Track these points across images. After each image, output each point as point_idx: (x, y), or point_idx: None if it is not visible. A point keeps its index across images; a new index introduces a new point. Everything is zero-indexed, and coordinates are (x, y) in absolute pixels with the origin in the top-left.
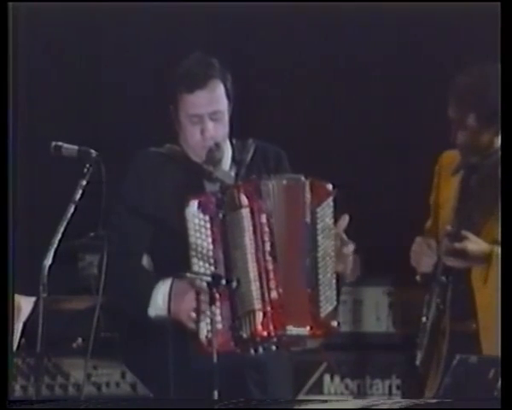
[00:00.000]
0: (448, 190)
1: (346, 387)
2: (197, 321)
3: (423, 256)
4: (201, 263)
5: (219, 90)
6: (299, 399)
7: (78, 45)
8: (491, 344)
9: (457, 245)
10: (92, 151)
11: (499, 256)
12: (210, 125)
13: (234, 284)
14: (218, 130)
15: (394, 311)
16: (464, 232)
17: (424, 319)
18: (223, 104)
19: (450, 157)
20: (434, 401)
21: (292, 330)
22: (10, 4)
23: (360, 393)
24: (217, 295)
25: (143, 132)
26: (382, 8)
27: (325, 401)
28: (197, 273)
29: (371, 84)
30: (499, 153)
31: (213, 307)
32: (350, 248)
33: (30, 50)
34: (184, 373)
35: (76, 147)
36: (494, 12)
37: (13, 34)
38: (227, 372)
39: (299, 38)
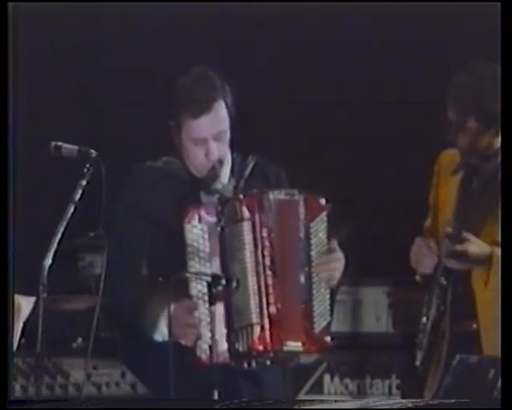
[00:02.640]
0: (448, 190)
1: (346, 387)
2: (194, 337)
3: (423, 257)
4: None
5: (222, 110)
6: (299, 399)
7: (79, 45)
8: (492, 345)
9: (458, 247)
10: (92, 151)
11: (499, 258)
12: (214, 146)
13: (234, 284)
14: (222, 149)
15: (394, 311)
16: (465, 234)
17: (424, 319)
18: (225, 124)
19: (450, 157)
20: (434, 401)
21: (288, 345)
22: (10, 4)
23: (360, 393)
24: (214, 307)
25: (144, 132)
26: (382, 8)
27: (325, 401)
28: (196, 273)
29: (370, 85)
30: (500, 155)
31: (210, 316)
32: (336, 256)
33: (30, 50)
34: (184, 373)
35: (76, 147)
36: (494, 12)
37: (13, 34)
38: (226, 373)
39: (299, 48)
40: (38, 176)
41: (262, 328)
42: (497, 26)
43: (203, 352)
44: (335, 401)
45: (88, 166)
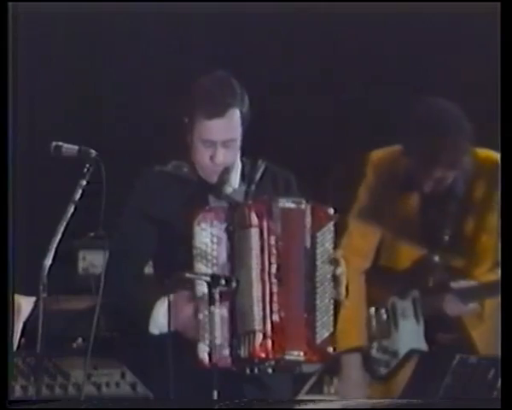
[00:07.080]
0: None
1: None
2: (195, 328)
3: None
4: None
5: (236, 118)
6: (299, 399)
7: (78, 45)
8: (489, 349)
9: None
10: (92, 151)
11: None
12: (221, 152)
13: (233, 284)
14: (228, 156)
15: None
16: (471, 283)
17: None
18: (237, 132)
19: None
20: (435, 401)
21: (289, 355)
22: (10, 4)
23: None
24: (217, 302)
25: (144, 132)
26: (381, 8)
27: (324, 401)
28: (196, 273)
29: (374, 88)
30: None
31: (212, 317)
32: (341, 270)
33: (30, 51)
34: (184, 373)
35: (76, 147)
36: (494, 12)
37: (13, 34)
38: (226, 372)
39: (308, 53)
40: (38, 176)
41: (264, 336)
42: (497, 26)
43: (205, 355)
44: (336, 400)
45: (88, 166)
